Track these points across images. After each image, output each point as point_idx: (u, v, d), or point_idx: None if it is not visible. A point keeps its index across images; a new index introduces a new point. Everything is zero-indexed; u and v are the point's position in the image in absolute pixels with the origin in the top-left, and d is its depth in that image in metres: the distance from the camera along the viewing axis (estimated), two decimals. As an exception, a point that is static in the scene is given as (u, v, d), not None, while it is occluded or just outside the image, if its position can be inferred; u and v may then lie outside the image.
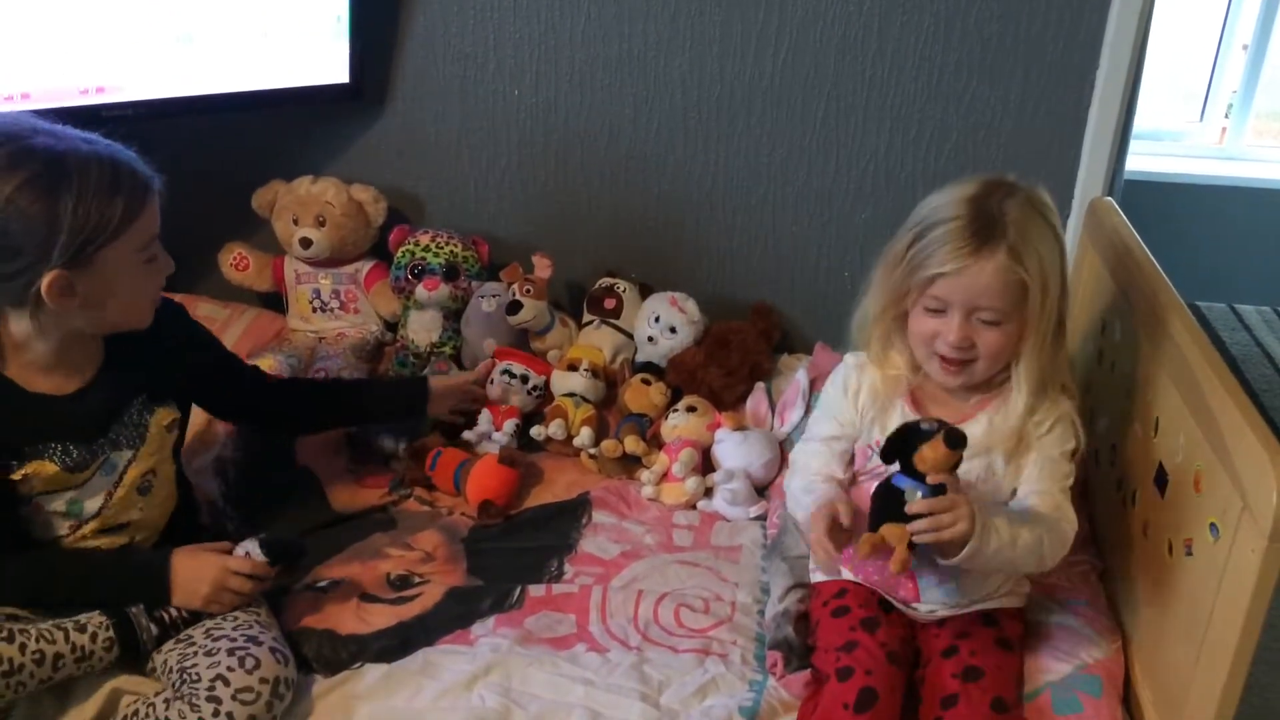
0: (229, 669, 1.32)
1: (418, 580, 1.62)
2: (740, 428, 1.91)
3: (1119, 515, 1.59)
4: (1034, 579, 1.53)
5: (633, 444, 1.86)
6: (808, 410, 1.90)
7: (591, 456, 1.90)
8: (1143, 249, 1.66)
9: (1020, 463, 1.40)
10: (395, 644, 1.49)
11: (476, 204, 2.28)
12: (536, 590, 1.61)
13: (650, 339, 2.10)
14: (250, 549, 1.45)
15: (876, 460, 1.43)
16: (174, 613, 1.42)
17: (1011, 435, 1.39)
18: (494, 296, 2.10)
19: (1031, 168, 2.03)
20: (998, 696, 1.34)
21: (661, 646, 1.51)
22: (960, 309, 1.34)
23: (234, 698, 1.30)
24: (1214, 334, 3.05)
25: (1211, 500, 1.28)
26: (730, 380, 2.02)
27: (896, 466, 1.33)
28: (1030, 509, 1.37)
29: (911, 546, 1.28)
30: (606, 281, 2.19)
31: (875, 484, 1.37)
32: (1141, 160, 3.20)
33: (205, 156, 2.19)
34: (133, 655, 1.40)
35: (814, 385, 1.94)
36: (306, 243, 2.15)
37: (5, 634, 1.31)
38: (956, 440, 1.27)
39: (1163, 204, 3.20)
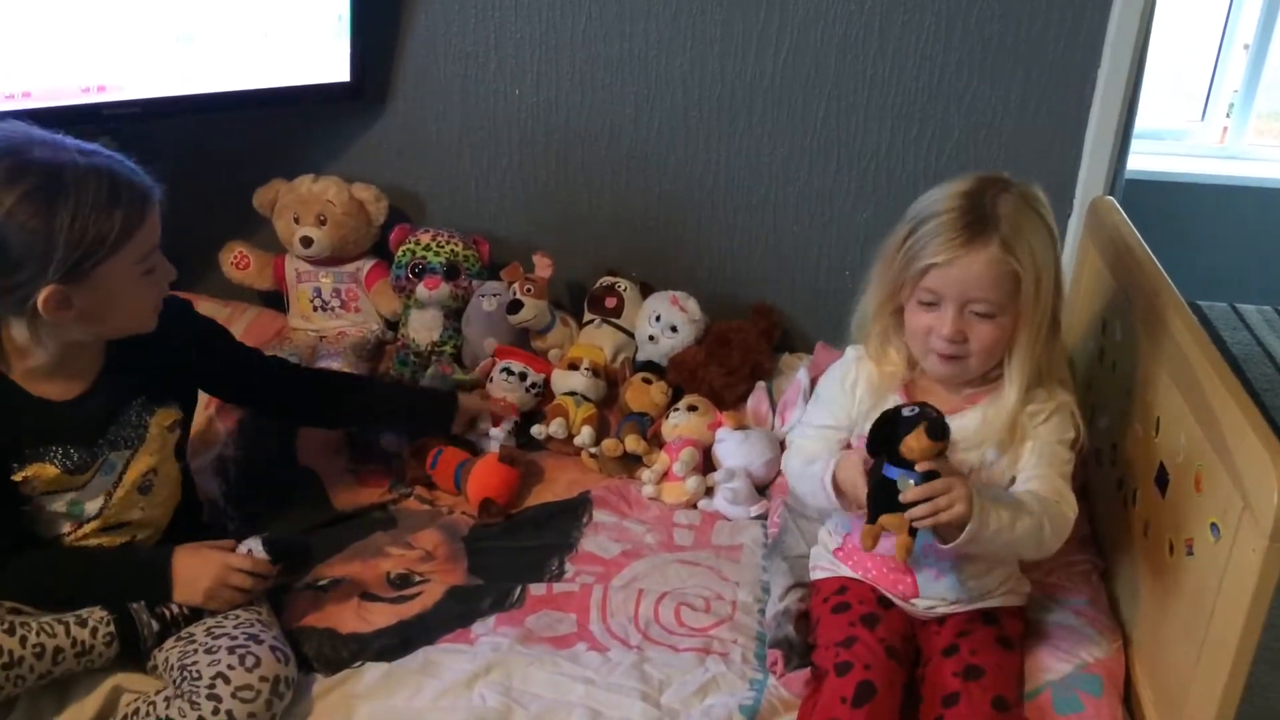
0: (229, 667, 1.32)
1: (418, 579, 1.62)
2: (741, 427, 1.91)
3: (1120, 515, 1.59)
4: (1034, 578, 1.53)
5: (633, 443, 1.86)
6: (809, 410, 1.90)
7: (592, 455, 1.90)
8: (1144, 248, 1.65)
9: (1018, 452, 1.40)
10: (396, 643, 1.49)
11: (477, 203, 2.28)
12: (537, 589, 1.61)
13: (651, 338, 2.10)
14: (253, 547, 1.45)
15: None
16: (175, 609, 1.42)
17: (1004, 428, 1.39)
18: (495, 295, 2.10)
19: (1032, 167, 2.03)
20: (999, 695, 1.34)
21: (662, 645, 1.51)
22: (953, 302, 1.34)
23: (234, 695, 1.30)
24: (1215, 333, 3.06)
25: (1212, 500, 1.27)
26: (731, 379, 2.02)
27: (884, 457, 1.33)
28: (1029, 492, 1.37)
29: (912, 533, 1.29)
30: (607, 280, 2.19)
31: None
32: (1143, 159, 3.20)
33: (206, 155, 2.19)
34: (133, 651, 1.40)
35: (814, 384, 1.94)
36: (307, 241, 2.15)
37: (6, 626, 1.31)
38: (938, 431, 1.27)
39: (1164, 203, 3.20)
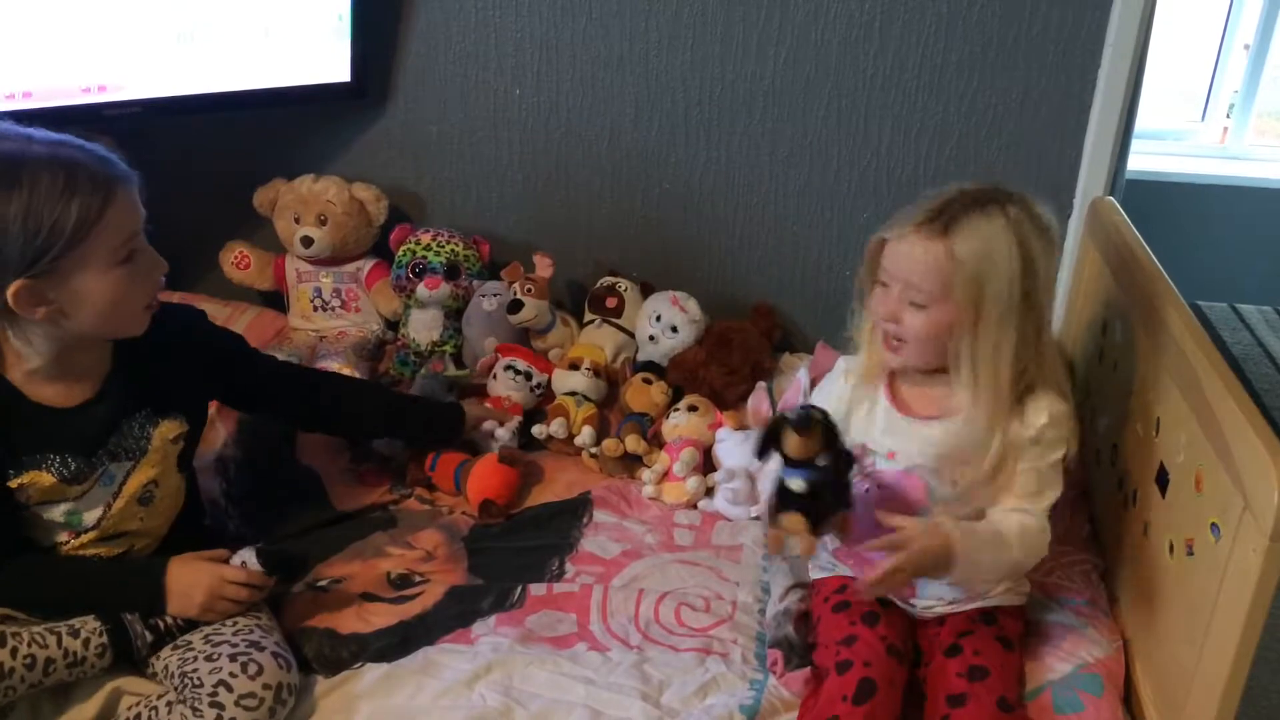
0: (232, 674, 1.31)
1: (418, 579, 1.62)
2: (741, 427, 1.91)
3: (1120, 515, 1.59)
4: (1034, 578, 1.53)
5: (634, 443, 1.86)
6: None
7: (592, 456, 1.90)
8: (1144, 248, 1.65)
9: (1003, 467, 1.38)
10: (396, 643, 1.49)
11: (478, 203, 2.28)
12: (537, 589, 1.61)
13: (651, 338, 2.10)
14: (247, 558, 1.44)
15: (869, 459, 1.43)
16: (169, 620, 1.41)
17: (978, 442, 1.36)
18: (495, 295, 2.10)
19: (1033, 167, 2.03)
20: (1003, 696, 1.34)
21: (662, 645, 1.51)
22: (897, 283, 1.36)
23: (237, 703, 1.29)
24: (1215, 334, 3.06)
25: (1212, 500, 1.27)
26: (731, 379, 2.02)
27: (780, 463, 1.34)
28: (1005, 527, 1.36)
29: (816, 532, 1.31)
30: (608, 280, 2.19)
31: (860, 483, 1.40)
32: (1143, 160, 3.20)
33: (206, 155, 2.20)
34: (126, 662, 1.39)
35: (815, 384, 1.93)
36: (308, 241, 2.15)
37: None
38: (802, 423, 1.28)
39: (1164, 203, 3.20)
